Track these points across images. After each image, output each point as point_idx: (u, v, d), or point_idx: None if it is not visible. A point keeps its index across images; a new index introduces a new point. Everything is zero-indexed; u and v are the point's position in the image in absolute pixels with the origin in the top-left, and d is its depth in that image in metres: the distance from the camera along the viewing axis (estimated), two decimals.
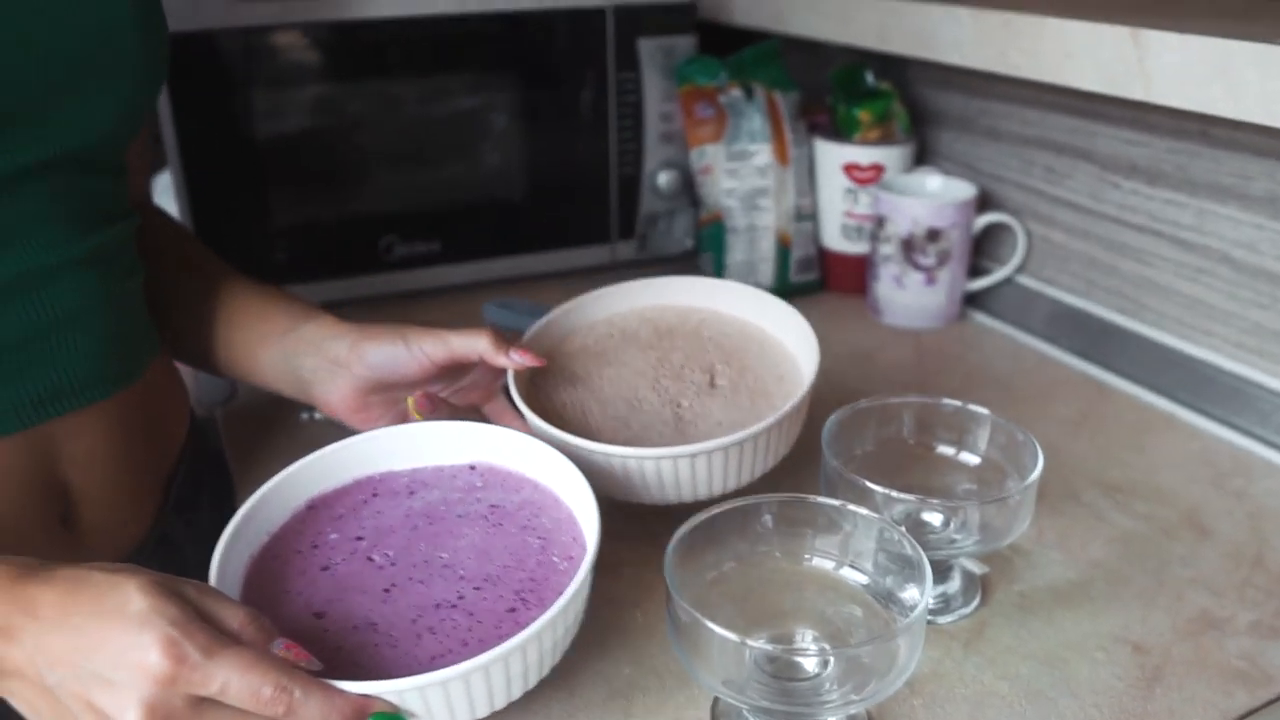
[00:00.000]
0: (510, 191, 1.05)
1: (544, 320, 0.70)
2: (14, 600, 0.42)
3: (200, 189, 0.92)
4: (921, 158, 1.05)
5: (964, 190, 0.96)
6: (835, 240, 1.03)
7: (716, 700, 0.53)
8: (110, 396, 0.59)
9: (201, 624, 0.41)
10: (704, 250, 1.04)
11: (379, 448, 0.59)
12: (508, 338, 0.63)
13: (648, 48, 1.04)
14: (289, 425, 0.80)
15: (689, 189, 1.08)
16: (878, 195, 0.96)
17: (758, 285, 0.97)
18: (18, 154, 0.52)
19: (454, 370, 0.65)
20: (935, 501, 0.57)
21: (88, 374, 0.57)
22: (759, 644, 0.47)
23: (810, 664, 0.49)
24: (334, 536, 0.54)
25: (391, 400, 0.65)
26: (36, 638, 0.41)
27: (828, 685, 0.48)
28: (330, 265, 1.00)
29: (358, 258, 1.01)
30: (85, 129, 0.55)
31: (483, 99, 1.01)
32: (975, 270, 1.01)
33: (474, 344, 0.62)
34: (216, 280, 0.69)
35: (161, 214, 0.73)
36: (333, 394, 0.65)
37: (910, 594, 0.50)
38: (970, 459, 0.63)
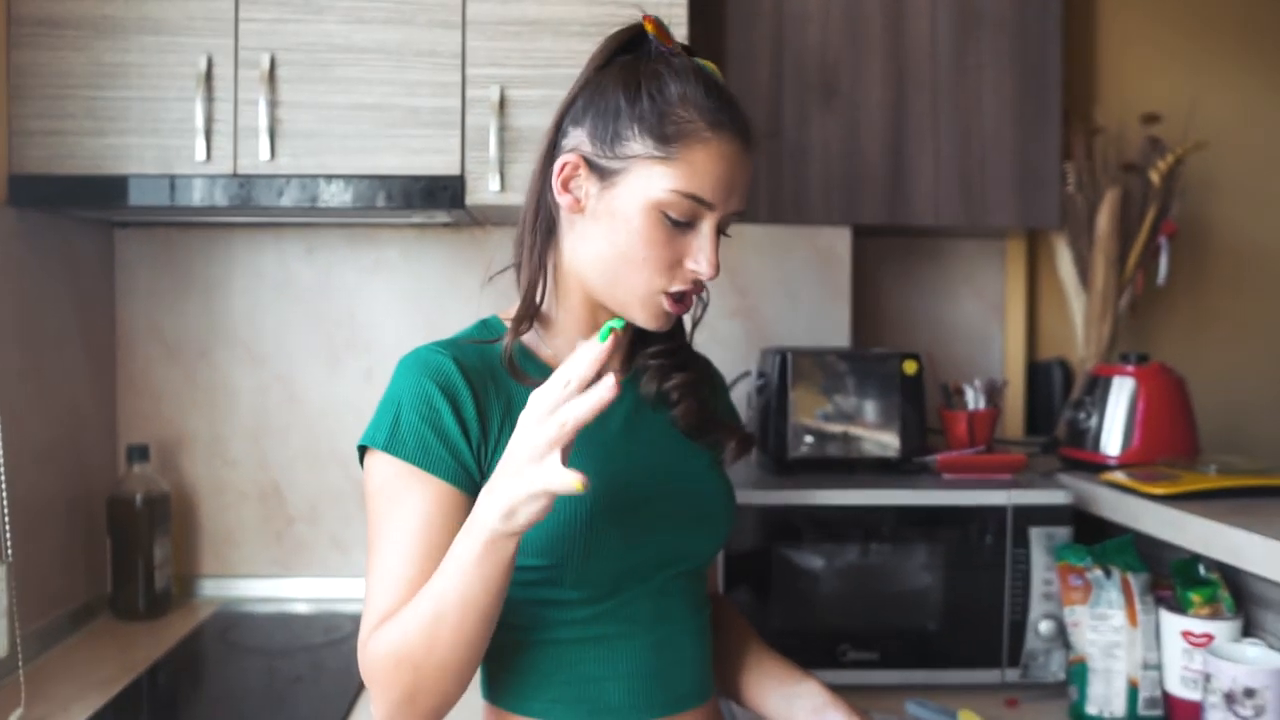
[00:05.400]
0: (930, 622, 1.52)
1: None
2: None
3: (739, 596, 1.49)
4: (1249, 630, 1.39)
5: (1277, 660, 1.29)
6: (1176, 687, 1.38)
7: None
8: (702, 705, 1.10)
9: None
10: (1071, 683, 1.43)
11: None
12: None
13: (1036, 533, 1.51)
14: None
15: (1062, 635, 1.48)
16: (1206, 657, 1.32)
17: (1112, 715, 1.35)
18: (674, 568, 1.07)
19: None
20: None
21: (694, 688, 1.08)
22: None
23: None
24: None
25: None
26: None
27: None
28: (803, 657, 1.50)
29: (821, 656, 1.51)
30: (705, 554, 1.11)
31: (919, 559, 1.52)
32: None
33: None
34: (749, 645, 1.19)
35: (720, 596, 1.27)
36: None
37: None
38: None
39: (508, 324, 1.06)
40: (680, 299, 1.03)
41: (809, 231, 1.96)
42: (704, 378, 1.17)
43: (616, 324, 0.89)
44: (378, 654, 0.93)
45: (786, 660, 1.19)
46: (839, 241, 1.97)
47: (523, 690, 1.03)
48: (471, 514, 0.91)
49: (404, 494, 0.97)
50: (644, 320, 1.04)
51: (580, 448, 1.00)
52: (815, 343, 1.94)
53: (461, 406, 0.99)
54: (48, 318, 1.74)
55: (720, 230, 1.02)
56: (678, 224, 1.00)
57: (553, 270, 1.07)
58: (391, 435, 0.97)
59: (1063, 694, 1.48)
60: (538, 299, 1.06)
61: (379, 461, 0.99)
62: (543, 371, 1.05)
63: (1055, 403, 2.13)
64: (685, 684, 1.07)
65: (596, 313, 1.07)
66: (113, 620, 1.84)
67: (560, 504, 0.97)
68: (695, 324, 1.14)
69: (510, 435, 0.99)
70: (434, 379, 0.99)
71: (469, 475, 0.98)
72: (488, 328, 1.09)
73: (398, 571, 0.95)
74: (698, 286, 1.04)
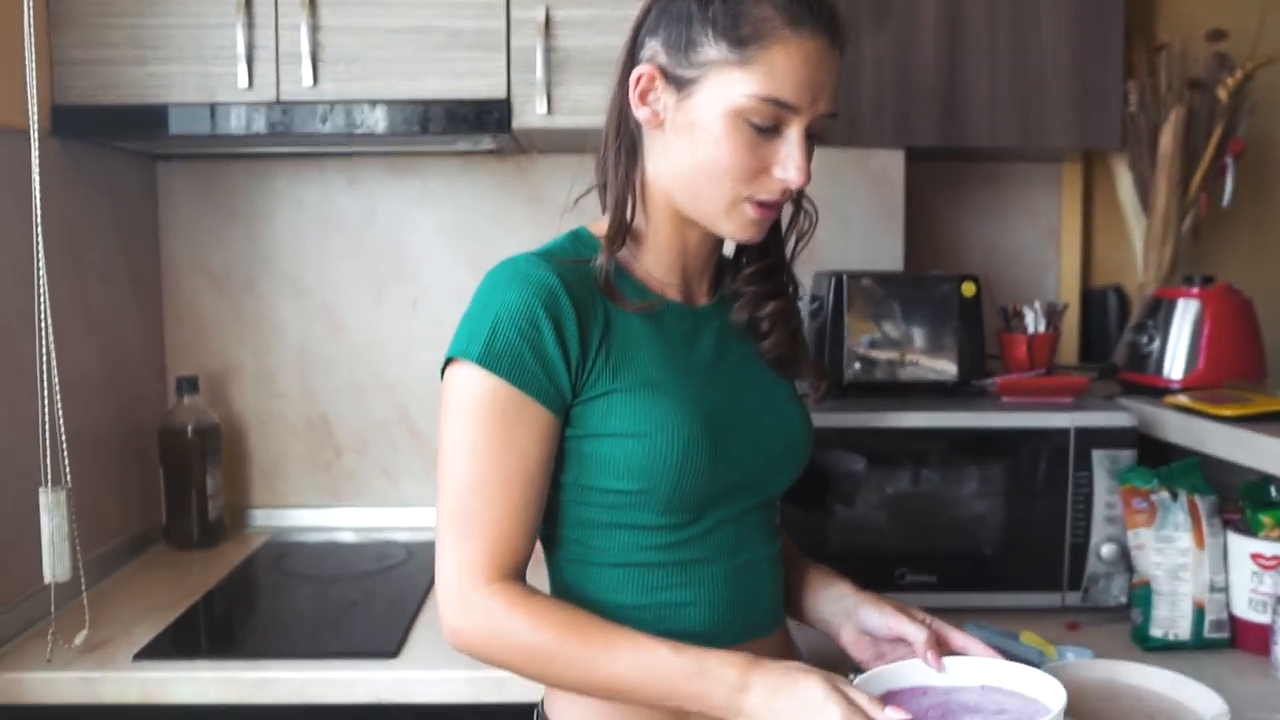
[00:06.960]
0: (989, 546, 1.50)
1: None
2: (748, 673, 0.88)
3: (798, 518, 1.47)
4: None
5: None
6: (1244, 610, 1.35)
7: None
8: (774, 634, 1.09)
9: (859, 707, 0.86)
10: (1135, 606, 1.41)
11: (918, 670, 1.00)
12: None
13: (1099, 456, 1.48)
14: None
15: (1125, 558, 1.46)
16: (1277, 580, 1.29)
17: (1176, 638, 1.34)
18: (756, 496, 1.06)
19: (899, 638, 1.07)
20: None
21: (767, 617, 1.08)
22: None
23: None
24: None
25: (877, 642, 1.08)
26: (759, 698, 0.87)
27: None
28: (861, 579, 1.49)
29: (880, 579, 1.49)
30: (784, 483, 1.09)
31: (977, 483, 1.49)
32: None
33: (914, 634, 1.03)
34: (801, 565, 1.18)
35: None
36: (842, 634, 1.11)
37: None
38: None
39: (598, 238, 1.03)
40: (766, 205, 0.99)
41: (861, 154, 1.91)
42: (794, 306, 1.13)
43: None
44: (496, 622, 0.93)
45: (827, 570, 1.17)
46: (892, 165, 1.92)
47: (600, 614, 0.99)
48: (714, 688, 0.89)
49: (495, 413, 0.93)
50: (732, 232, 1.01)
51: (674, 375, 0.99)
52: (868, 267, 1.90)
53: (564, 326, 0.94)
54: (94, 250, 1.73)
55: (810, 134, 0.98)
56: (761, 130, 0.95)
57: (639, 187, 1.03)
58: (486, 349, 0.93)
59: (1124, 618, 1.46)
60: (628, 216, 1.02)
61: (467, 374, 0.94)
62: (638, 291, 1.02)
63: (1110, 329, 2.08)
64: (760, 612, 1.07)
65: (685, 229, 1.04)
66: (167, 549, 1.86)
67: (656, 428, 0.96)
68: (800, 241, 1.10)
69: (605, 356, 0.96)
70: (539, 295, 0.94)
71: (562, 399, 0.96)
72: (579, 239, 1.05)
73: (501, 500, 0.93)
74: (786, 194, 1.00)
